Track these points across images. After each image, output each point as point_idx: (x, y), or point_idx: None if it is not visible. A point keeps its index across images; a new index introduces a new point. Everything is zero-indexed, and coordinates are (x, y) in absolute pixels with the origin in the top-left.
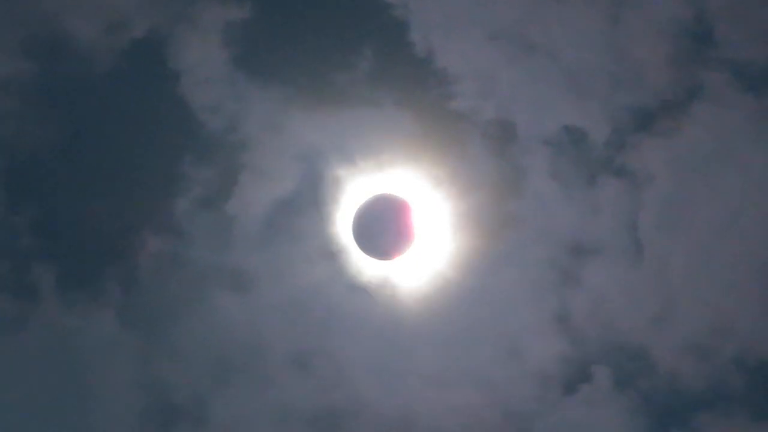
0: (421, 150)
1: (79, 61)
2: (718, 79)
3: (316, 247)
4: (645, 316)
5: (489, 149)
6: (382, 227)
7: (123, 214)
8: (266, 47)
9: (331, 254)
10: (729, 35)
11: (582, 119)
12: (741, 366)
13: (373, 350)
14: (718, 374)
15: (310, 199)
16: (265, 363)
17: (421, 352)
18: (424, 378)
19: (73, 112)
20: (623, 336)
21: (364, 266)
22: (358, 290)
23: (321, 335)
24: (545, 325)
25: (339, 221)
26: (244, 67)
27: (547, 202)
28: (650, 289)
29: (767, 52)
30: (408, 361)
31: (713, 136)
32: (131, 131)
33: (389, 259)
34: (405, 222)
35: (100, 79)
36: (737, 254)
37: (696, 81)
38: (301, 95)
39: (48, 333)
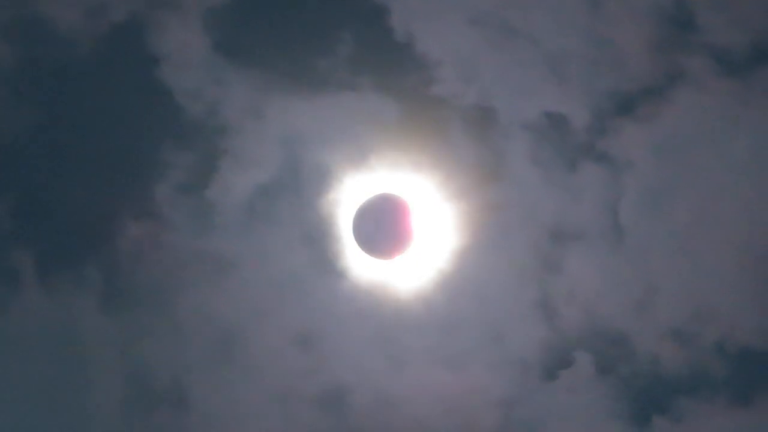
0: (402, 135)
1: (58, 46)
2: (699, 64)
3: (297, 233)
4: (626, 301)
5: (469, 134)
6: (381, 227)
7: (103, 200)
8: (246, 32)
9: (312, 240)
10: (710, 20)
11: (563, 105)
12: (722, 352)
13: (351, 336)
14: (700, 360)
15: (291, 184)
16: (246, 348)
17: (402, 337)
18: (402, 363)
19: (52, 97)
20: (604, 322)
21: (345, 252)
22: (338, 276)
23: (301, 321)
24: (526, 310)
25: (320, 206)
26: (225, 52)
27: (527, 188)
28: (631, 274)
29: (749, 36)
30: (387, 347)
31: (694, 122)
32: (111, 116)
33: (389, 257)
34: (404, 222)
35: (80, 63)
36: (719, 240)
37: (677, 66)
38: (281, 80)
39: (28, 318)
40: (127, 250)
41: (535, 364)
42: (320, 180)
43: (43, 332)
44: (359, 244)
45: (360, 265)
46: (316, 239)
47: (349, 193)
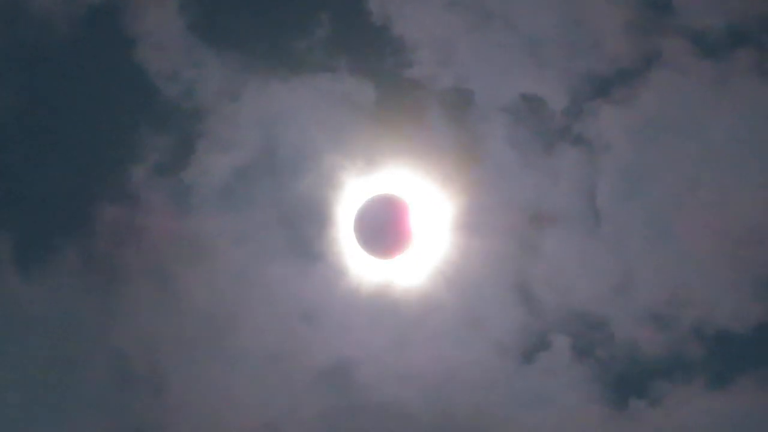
0: (379, 118)
1: (34, 28)
2: (676, 45)
3: (274, 216)
4: (603, 285)
5: (446, 117)
6: (381, 227)
7: (79, 182)
8: (223, 13)
9: (290, 222)
10: (687, 2)
11: (540, 87)
12: (700, 335)
13: (324, 318)
14: (677, 343)
15: (268, 166)
16: (223, 330)
17: (376, 321)
18: (379, 348)
19: (28, 79)
20: (582, 305)
21: (320, 235)
22: (315, 259)
23: (279, 304)
24: (503, 294)
25: (298, 188)
26: (201, 34)
27: (505, 171)
28: (609, 258)
29: (726, 18)
30: (362, 331)
31: (672, 104)
32: (86, 98)
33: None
34: (402, 222)
35: (55, 45)
36: (696, 223)
37: (654, 48)
38: (258, 62)
39: (5, 302)
40: (103, 233)
41: (512, 347)
42: (298, 162)
43: (21, 317)
44: (361, 245)
45: (333, 245)
46: (294, 221)
47: (327, 176)
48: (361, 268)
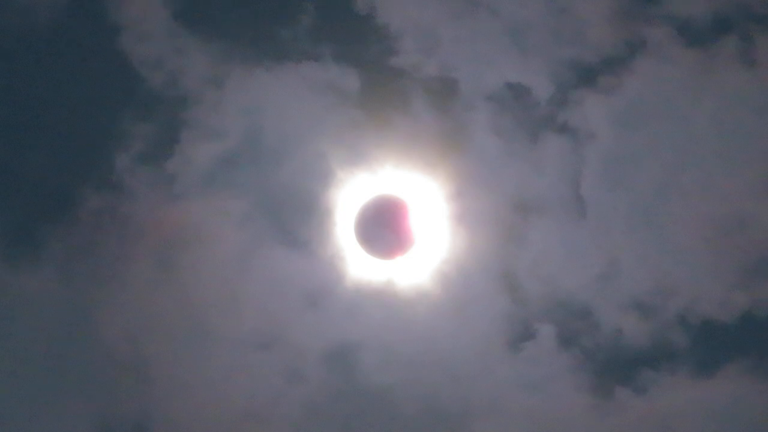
0: (363, 106)
1: (18, 15)
2: (660, 34)
3: (257, 204)
4: (588, 273)
5: (431, 105)
6: (382, 228)
7: (63, 170)
8: (207, 2)
9: (272, 211)
10: None
11: (525, 76)
12: (685, 323)
13: (306, 306)
14: (662, 332)
15: (252, 154)
16: (206, 318)
17: (360, 310)
18: (360, 337)
19: (13, 66)
20: (567, 294)
21: (305, 222)
22: (297, 247)
23: (261, 292)
24: (488, 282)
25: (281, 176)
26: (185, 22)
27: (490, 159)
28: (593, 246)
29: (709, 7)
30: (344, 320)
31: (656, 92)
32: (71, 86)
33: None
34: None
35: (40, 33)
36: (681, 212)
37: (638, 36)
38: (242, 50)
39: None
40: (86, 220)
41: (497, 336)
42: (282, 150)
43: (3, 303)
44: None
45: (316, 232)
46: (279, 209)
47: (311, 163)
48: (347, 257)
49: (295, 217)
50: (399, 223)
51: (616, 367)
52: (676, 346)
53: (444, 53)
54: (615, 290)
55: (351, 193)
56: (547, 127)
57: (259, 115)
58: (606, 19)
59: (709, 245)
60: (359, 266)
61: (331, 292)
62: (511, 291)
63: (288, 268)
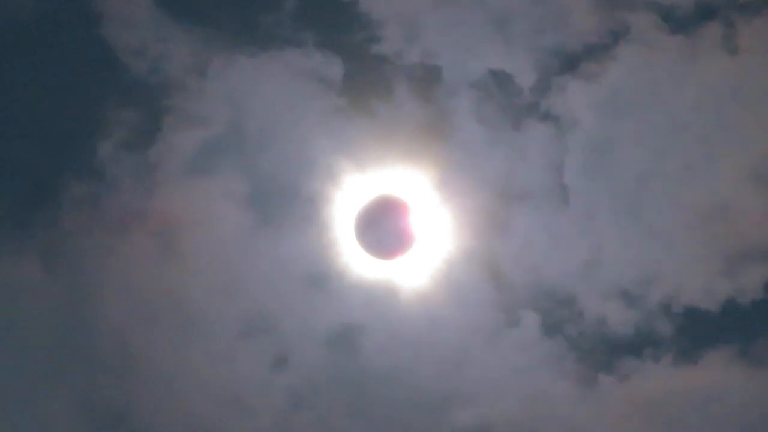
0: (345, 94)
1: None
2: (644, 20)
3: (240, 192)
4: (572, 261)
5: (414, 93)
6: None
7: (44, 158)
8: None
9: (255, 200)
10: None
11: (507, 63)
12: (667, 311)
13: (294, 293)
14: (646, 320)
15: (235, 142)
16: (190, 308)
17: (341, 298)
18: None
19: None
20: (550, 281)
21: (289, 212)
22: (282, 235)
23: (246, 279)
24: (472, 270)
25: (265, 164)
26: (167, 9)
27: (473, 147)
28: (577, 234)
29: None
30: (327, 307)
31: (639, 79)
32: (53, 74)
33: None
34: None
35: (22, 20)
36: (664, 199)
37: (622, 23)
38: (225, 37)
39: None
40: (68, 208)
41: (481, 323)
42: (265, 138)
43: None
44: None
45: (305, 225)
46: (261, 198)
47: (295, 150)
48: (330, 244)
49: (278, 206)
50: (395, 220)
51: (600, 355)
52: (660, 333)
53: (427, 41)
54: (598, 278)
55: (333, 179)
56: (530, 115)
57: (242, 102)
58: (589, 6)
59: (692, 233)
60: (346, 256)
61: (321, 279)
62: (495, 278)
63: (273, 256)
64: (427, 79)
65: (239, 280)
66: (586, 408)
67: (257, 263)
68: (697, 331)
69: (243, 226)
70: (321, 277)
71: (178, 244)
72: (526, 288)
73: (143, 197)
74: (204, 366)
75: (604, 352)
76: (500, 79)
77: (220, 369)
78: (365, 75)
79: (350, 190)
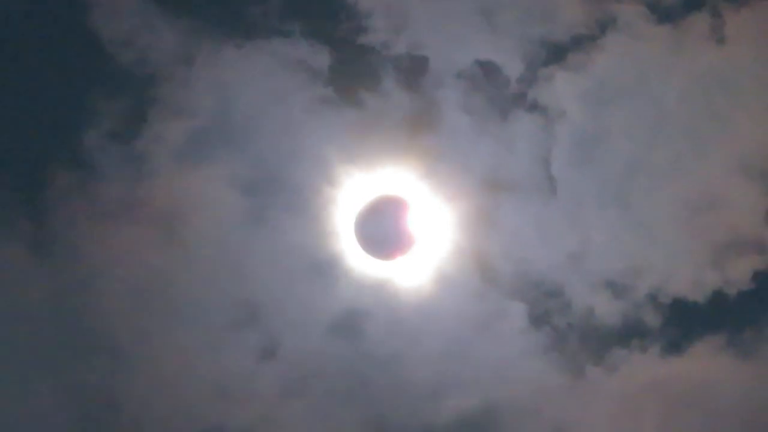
0: (332, 83)
1: None
2: (631, 11)
3: (227, 181)
4: (560, 252)
5: (401, 83)
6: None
7: (31, 148)
8: None
9: (243, 188)
10: None
11: (495, 53)
12: (655, 302)
13: (282, 282)
14: (634, 311)
15: (222, 132)
16: (178, 296)
17: (325, 290)
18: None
19: None
20: (538, 273)
21: (276, 200)
22: (269, 223)
23: (234, 271)
24: (459, 261)
25: (252, 153)
26: None
27: (460, 137)
28: (564, 225)
29: None
30: (313, 298)
31: (627, 69)
32: (40, 64)
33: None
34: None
35: (7, 10)
36: (651, 189)
37: (609, 14)
38: (211, 27)
39: None
40: (55, 198)
41: (468, 315)
42: (252, 127)
43: None
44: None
45: (293, 216)
46: (249, 187)
47: (281, 140)
48: (318, 232)
49: (265, 195)
50: (393, 220)
51: (588, 346)
52: (647, 324)
53: (413, 31)
54: (586, 269)
55: (320, 169)
56: (517, 105)
57: (229, 92)
58: None
59: (680, 224)
60: (330, 242)
61: (306, 268)
62: (482, 269)
63: (262, 245)
64: (414, 70)
65: (228, 268)
66: (573, 398)
67: (246, 252)
68: (684, 322)
69: (231, 214)
70: (313, 268)
71: (165, 233)
72: (513, 279)
73: (130, 187)
74: (195, 354)
75: (592, 343)
76: (487, 70)
77: (208, 358)
78: (352, 65)
79: (336, 180)
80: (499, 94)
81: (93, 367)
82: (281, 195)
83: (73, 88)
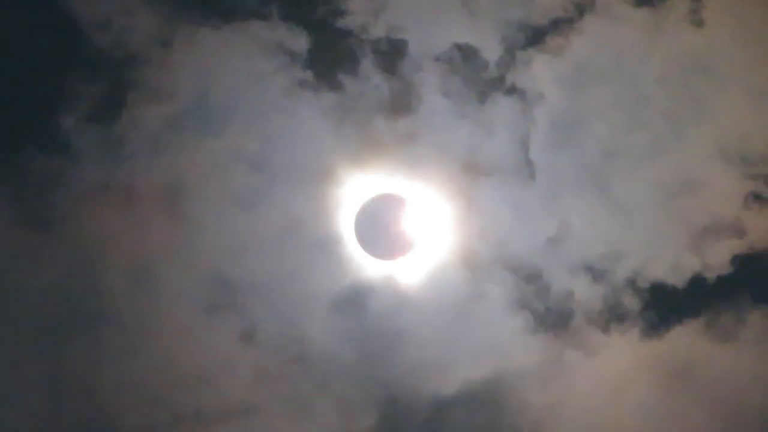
0: (311, 67)
1: None
2: None
3: (207, 164)
4: (538, 236)
5: (379, 67)
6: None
7: (8, 131)
8: None
9: (222, 172)
10: None
11: (473, 36)
12: (634, 286)
13: (257, 262)
14: (612, 294)
15: (200, 115)
16: (156, 277)
17: (309, 270)
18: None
19: None
20: (517, 257)
21: (257, 183)
22: (251, 208)
23: (213, 254)
24: (438, 245)
25: (229, 137)
26: None
27: (438, 120)
28: (543, 209)
29: None
30: (296, 283)
31: (605, 52)
32: (16, 46)
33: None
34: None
35: None
36: (629, 173)
37: None
38: (189, 9)
39: None
40: (32, 181)
41: (447, 299)
42: (230, 111)
43: None
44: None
45: (272, 198)
46: (226, 171)
47: (260, 123)
48: (296, 214)
49: (242, 180)
50: (391, 221)
51: (567, 330)
52: (627, 308)
53: (392, 14)
54: (565, 253)
55: (297, 151)
56: (495, 89)
57: (207, 75)
58: None
59: (658, 207)
60: (310, 220)
61: (284, 246)
62: (461, 254)
63: (238, 229)
64: (393, 53)
65: (205, 252)
66: (553, 383)
67: (223, 235)
68: (663, 306)
69: (210, 198)
70: (282, 239)
71: (143, 217)
72: (492, 263)
73: (108, 170)
74: (171, 340)
75: (571, 327)
76: (466, 53)
77: (187, 342)
78: (331, 48)
79: (315, 162)
80: (477, 77)
81: (69, 352)
82: (260, 177)
83: (50, 71)
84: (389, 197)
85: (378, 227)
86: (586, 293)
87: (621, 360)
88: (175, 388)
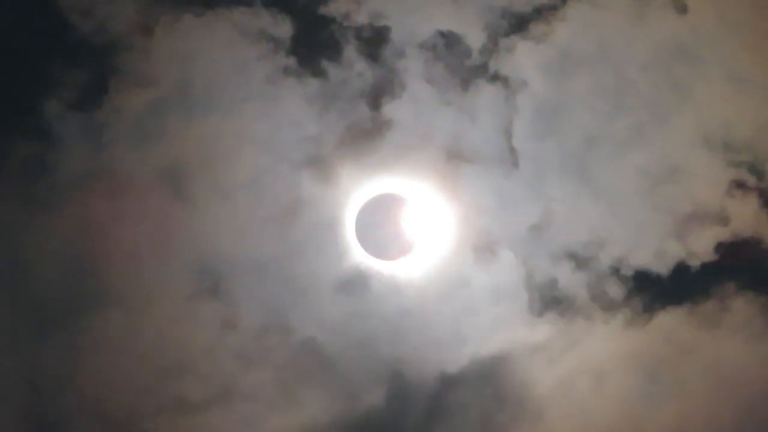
0: (294, 54)
1: None
2: None
3: (189, 151)
4: (522, 224)
5: (362, 53)
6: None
7: None
8: None
9: (205, 159)
10: None
11: (456, 24)
12: (618, 274)
13: (248, 253)
14: (596, 282)
15: (182, 102)
16: (137, 269)
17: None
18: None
19: None
20: (500, 244)
21: (241, 170)
22: (237, 195)
23: (191, 242)
24: (421, 233)
25: (211, 124)
26: None
27: (421, 107)
28: (526, 196)
29: None
30: (280, 268)
31: (588, 39)
32: None
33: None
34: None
35: None
36: (613, 161)
37: None
38: None
39: None
40: (13, 169)
41: (431, 286)
42: (212, 98)
43: None
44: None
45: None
46: (209, 158)
47: (242, 110)
48: (281, 199)
49: (225, 167)
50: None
51: (550, 317)
52: (610, 296)
53: (375, 1)
54: (548, 240)
55: (283, 138)
56: (478, 76)
57: (190, 62)
58: None
59: (642, 195)
60: (297, 206)
61: (274, 231)
62: (445, 241)
63: (218, 220)
64: (376, 40)
65: (186, 240)
66: (536, 371)
67: (201, 224)
68: (647, 294)
69: (192, 188)
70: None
71: (123, 203)
72: (475, 251)
73: (90, 157)
74: (159, 327)
75: (555, 315)
76: (449, 40)
77: (172, 331)
78: (314, 35)
79: (299, 149)
80: (460, 64)
81: (49, 341)
82: (243, 164)
83: (32, 58)
84: (384, 194)
85: (375, 223)
86: (569, 281)
87: (605, 347)
88: (160, 377)
